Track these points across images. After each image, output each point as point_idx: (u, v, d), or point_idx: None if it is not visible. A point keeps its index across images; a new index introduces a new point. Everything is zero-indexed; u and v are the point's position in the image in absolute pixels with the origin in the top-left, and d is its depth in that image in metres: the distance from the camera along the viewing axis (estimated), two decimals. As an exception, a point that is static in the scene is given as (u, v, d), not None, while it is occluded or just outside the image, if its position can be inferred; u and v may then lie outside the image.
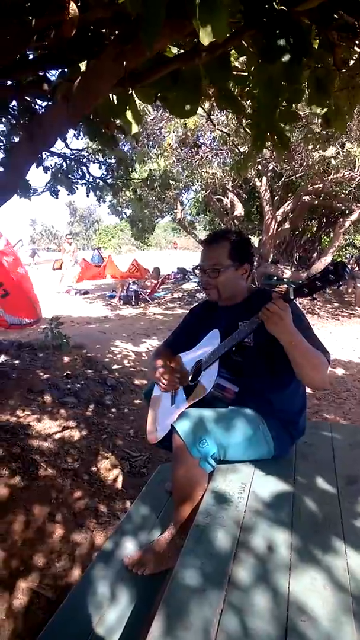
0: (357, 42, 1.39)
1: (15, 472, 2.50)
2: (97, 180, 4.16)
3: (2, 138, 3.10)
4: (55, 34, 1.28)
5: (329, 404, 4.34)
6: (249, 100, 1.74)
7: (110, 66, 1.23)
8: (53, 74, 1.85)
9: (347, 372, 5.41)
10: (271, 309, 1.50)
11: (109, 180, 4.24)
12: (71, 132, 3.65)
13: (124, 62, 1.22)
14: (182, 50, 1.53)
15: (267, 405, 1.78)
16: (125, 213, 11.72)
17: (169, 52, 1.52)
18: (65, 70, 1.65)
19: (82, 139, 3.99)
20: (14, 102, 2.28)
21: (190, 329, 2.10)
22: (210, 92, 1.68)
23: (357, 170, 7.68)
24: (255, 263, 10.90)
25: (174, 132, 7.77)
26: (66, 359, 4.75)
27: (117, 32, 1.34)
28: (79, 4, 1.12)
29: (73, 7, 1.09)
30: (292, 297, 1.51)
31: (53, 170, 3.93)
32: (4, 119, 2.71)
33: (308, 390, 1.98)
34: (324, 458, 1.90)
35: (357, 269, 14.80)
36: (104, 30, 1.44)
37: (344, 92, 1.55)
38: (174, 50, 1.58)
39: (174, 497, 1.70)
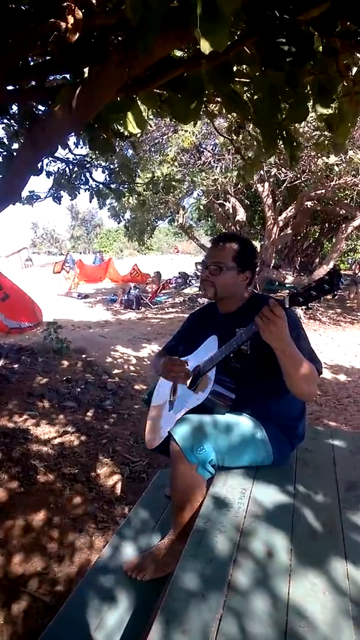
0: (360, 48, 1.40)
1: (14, 477, 2.50)
2: (100, 185, 4.14)
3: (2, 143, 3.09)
4: (59, 40, 1.29)
5: (330, 409, 4.33)
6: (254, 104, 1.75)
7: (114, 72, 1.24)
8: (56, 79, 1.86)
9: (348, 378, 5.40)
10: (268, 315, 1.47)
11: (113, 186, 4.22)
12: (72, 140, 3.63)
13: (127, 69, 1.23)
14: (185, 56, 1.54)
15: (265, 411, 1.77)
16: (123, 217, 11.69)
17: (173, 56, 1.53)
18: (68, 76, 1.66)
19: (82, 147, 3.97)
20: (15, 108, 2.29)
21: (188, 334, 2.09)
22: (217, 97, 1.68)
23: (360, 176, 7.72)
24: (257, 268, 10.96)
25: (176, 146, 7.80)
26: (66, 363, 4.75)
27: (120, 38, 1.35)
28: (83, 10, 1.13)
29: (78, 13, 1.10)
30: (287, 306, 1.49)
31: (56, 175, 3.91)
32: (4, 124, 2.70)
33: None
34: (324, 464, 1.90)
35: (359, 274, 14.83)
36: (107, 37, 1.46)
37: (347, 98, 1.56)
38: (178, 53, 1.59)
39: (173, 503, 1.69)
